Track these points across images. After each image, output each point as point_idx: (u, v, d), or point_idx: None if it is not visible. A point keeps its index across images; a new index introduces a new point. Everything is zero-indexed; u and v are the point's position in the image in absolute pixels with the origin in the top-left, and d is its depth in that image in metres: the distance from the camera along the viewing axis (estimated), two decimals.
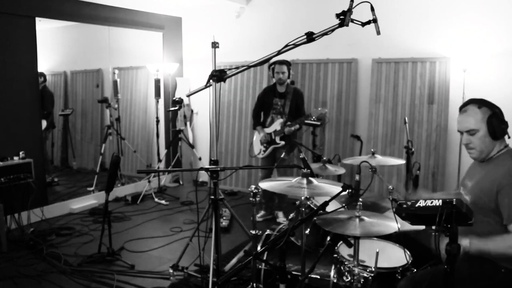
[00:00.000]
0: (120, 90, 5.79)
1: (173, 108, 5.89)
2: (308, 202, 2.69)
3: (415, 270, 2.22)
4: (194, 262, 3.30)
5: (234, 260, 3.46)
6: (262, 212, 4.77)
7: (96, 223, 4.59)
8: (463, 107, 2.09)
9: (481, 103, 2.02)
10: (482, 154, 2.06)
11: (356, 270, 2.18)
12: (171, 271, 3.27)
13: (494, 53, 4.44)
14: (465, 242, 1.87)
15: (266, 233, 2.90)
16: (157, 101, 6.09)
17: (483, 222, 1.98)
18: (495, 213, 1.95)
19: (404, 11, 4.85)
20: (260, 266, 2.65)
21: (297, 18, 5.46)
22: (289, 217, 2.97)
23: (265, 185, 2.31)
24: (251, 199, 2.45)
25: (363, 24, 2.09)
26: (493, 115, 1.98)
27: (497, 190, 1.92)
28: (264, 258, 2.64)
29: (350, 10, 2.01)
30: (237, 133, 5.99)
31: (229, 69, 2.52)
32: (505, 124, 2.01)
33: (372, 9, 2.09)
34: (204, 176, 6.27)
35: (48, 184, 5.06)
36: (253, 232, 2.52)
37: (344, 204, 2.66)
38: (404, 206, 1.69)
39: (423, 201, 1.63)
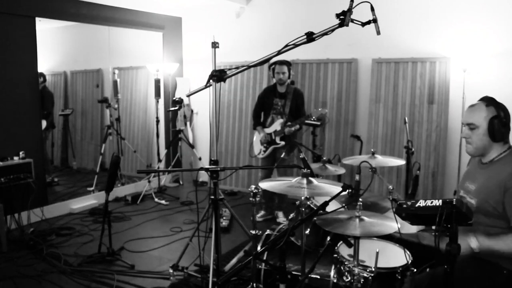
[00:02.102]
0: (120, 90, 5.79)
1: (173, 108, 5.89)
2: (308, 202, 2.68)
3: (415, 270, 2.22)
4: (194, 262, 3.30)
5: (234, 260, 3.46)
6: (262, 212, 4.77)
7: (96, 223, 4.59)
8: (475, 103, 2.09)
9: (490, 102, 2.02)
10: (477, 152, 2.07)
11: (356, 270, 2.18)
12: (171, 271, 3.26)
13: (494, 53, 4.44)
14: (474, 243, 1.85)
15: (266, 233, 2.90)
16: (157, 101, 6.08)
17: (489, 227, 1.95)
18: (502, 218, 1.92)
19: (404, 11, 4.84)
20: (260, 266, 2.64)
21: (297, 18, 5.46)
22: (289, 217, 2.96)
23: (265, 185, 2.31)
24: (251, 199, 2.44)
25: (363, 24, 2.10)
26: (497, 116, 1.97)
27: (504, 191, 1.90)
28: (264, 258, 2.64)
29: (350, 10, 2.01)
30: (237, 133, 5.98)
31: (229, 69, 2.52)
32: (506, 129, 2.00)
33: (372, 9, 2.09)
34: (204, 176, 6.27)
35: (48, 184, 5.06)
36: (253, 232, 2.52)
37: (344, 204, 2.66)
38: (404, 206, 1.69)
39: (423, 201, 1.63)
